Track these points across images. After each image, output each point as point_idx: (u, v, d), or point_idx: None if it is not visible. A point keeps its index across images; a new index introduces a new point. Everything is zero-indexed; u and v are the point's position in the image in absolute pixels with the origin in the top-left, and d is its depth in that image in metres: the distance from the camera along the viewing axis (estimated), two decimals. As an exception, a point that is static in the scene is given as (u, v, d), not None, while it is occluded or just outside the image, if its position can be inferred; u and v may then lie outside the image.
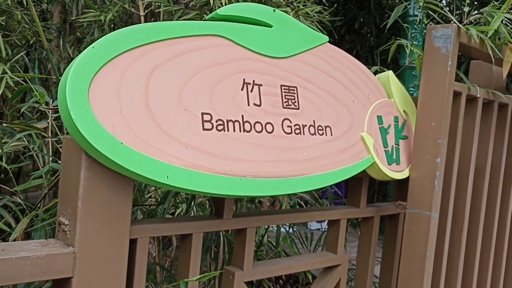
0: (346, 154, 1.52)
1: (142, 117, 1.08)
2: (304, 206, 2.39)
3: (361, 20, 5.90)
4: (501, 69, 1.91)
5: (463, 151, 1.83)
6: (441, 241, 1.76)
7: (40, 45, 3.68)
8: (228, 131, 1.23)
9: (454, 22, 1.61)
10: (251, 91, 1.31)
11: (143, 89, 1.09)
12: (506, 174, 2.05)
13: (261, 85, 1.33)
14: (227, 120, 1.23)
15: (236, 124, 1.25)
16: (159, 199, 1.67)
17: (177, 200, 1.81)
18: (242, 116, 1.27)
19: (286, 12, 2.40)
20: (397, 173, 1.68)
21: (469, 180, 1.84)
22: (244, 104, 1.28)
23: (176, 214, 1.86)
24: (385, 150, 1.64)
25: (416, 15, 2.60)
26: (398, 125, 1.72)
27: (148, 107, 1.09)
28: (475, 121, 1.82)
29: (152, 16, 2.65)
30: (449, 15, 1.69)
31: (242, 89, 1.29)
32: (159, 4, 2.41)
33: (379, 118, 1.65)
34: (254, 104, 1.31)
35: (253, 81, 1.31)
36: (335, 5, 6.73)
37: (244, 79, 1.29)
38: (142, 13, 2.51)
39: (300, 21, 2.32)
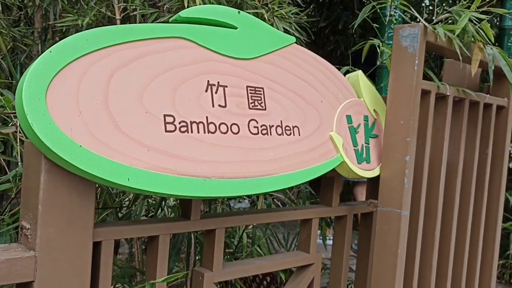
0: (315, 153, 1.53)
1: (102, 120, 1.08)
2: (281, 206, 2.40)
3: (345, 20, 5.93)
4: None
5: (434, 149, 1.85)
6: (413, 239, 1.78)
7: (22, 50, 3.67)
8: (191, 132, 1.24)
9: (420, 21, 1.63)
10: (216, 93, 1.31)
11: (103, 92, 1.10)
12: (479, 171, 2.08)
13: (226, 86, 1.34)
14: (190, 121, 1.24)
15: (200, 125, 1.26)
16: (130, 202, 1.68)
17: (149, 203, 1.81)
18: (207, 117, 1.28)
19: (260, 13, 2.42)
20: (368, 171, 1.69)
21: (441, 178, 1.86)
22: (208, 105, 1.29)
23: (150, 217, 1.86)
24: (354, 149, 1.66)
25: (393, 15, 2.62)
26: (368, 124, 1.73)
27: (108, 110, 1.10)
28: (446, 119, 1.84)
29: (128, 19, 2.65)
30: (416, 14, 1.71)
31: (206, 91, 1.30)
32: (134, 7, 2.41)
33: (349, 118, 1.66)
34: (219, 105, 1.31)
35: (218, 82, 1.32)
36: (320, 6, 6.77)
37: (208, 81, 1.30)
38: (118, 16, 2.51)
39: (275, 23, 2.34)
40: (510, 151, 3.65)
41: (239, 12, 1.41)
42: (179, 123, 1.22)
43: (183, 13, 1.29)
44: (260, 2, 2.52)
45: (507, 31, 3.69)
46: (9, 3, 3.20)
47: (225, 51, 1.35)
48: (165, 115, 1.20)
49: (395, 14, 2.64)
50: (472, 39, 1.77)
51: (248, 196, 2.35)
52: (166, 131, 1.19)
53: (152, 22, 2.32)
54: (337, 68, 1.82)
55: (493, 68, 1.79)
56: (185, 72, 1.25)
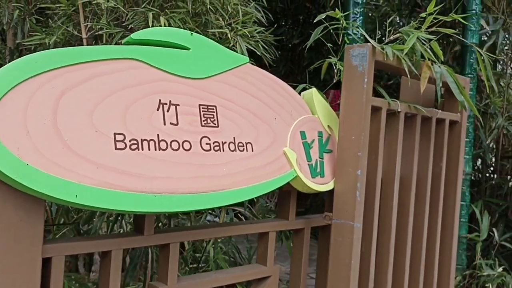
0: (268, 168, 1.58)
1: (50, 139, 1.12)
2: (244, 220, 2.44)
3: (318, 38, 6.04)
4: (430, 85, 2.03)
5: (387, 163, 1.92)
6: (367, 250, 1.83)
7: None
8: (142, 150, 1.28)
9: (368, 42, 1.71)
10: (168, 111, 1.36)
11: (52, 112, 1.13)
12: (433, 184, 2.15)
13: (178, 105, 1.39)
14: (141, 139, 1.28)
15: (151, 143, 1.30)
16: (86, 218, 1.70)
17: (109, 219, 1.84)
18: (158, 135, 1.32)
19: (224, 32, 2.48)
20: (322, 185, 1.75)
21: (394, 191, 1.92)
22: (159, 123, 1.33)
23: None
24: (308, 164, 1.71)
25: (356, 33, 2.71)
26: (322, 139, 1.80)
27: (56, 129, 1.13)
28: (398, 134, 1.91)
29: (95, 38, 2.69)
30: (366, 35, 1.79)
31: (158, 109, 1.34)
32: (100, 27, 2.45)
33: (302, 134, 1.72)
34: (171, 123, 1.36)
35: (170, 101, 1.37)
36: (295, 23, 6.91)
37: (160, 100, 1.35)
38: (85, 35, 2.55)
39: (238, 42, 2.40)
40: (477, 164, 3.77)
41: (191, 33, 1.47)
42: (130, 141, 1.26)
43: (134, 35, 1.34)
44: (225, 21, 2.58)
45: (469, 48, 3.83)
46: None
47: (177, 71, 1.40)
48: (115, 134, 1.24)
49: (357, 32, 2.73)
50: (421, 57, 1.85)
51: (212, 211, 2.39)
52: (116, 149, 1.23)
53: (118, 41, 2.37)
54: (294, 86, 1.89)
55: (441, 85, 1.88)
56: (136, 92, 1.30)
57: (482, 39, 4.31)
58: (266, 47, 2.96)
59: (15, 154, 1.06)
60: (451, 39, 4.30)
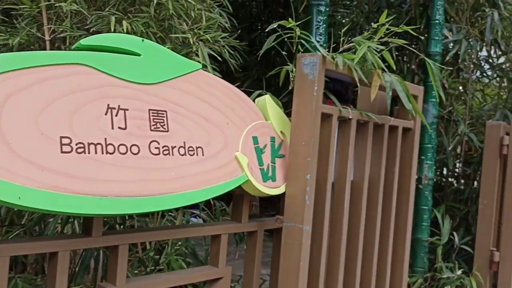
0: (219, 172, 1.63)
1: (-7, 141, 1.14)
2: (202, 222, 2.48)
3: (291, 43, 6.12)
4: (384, 93, 2.10)
5: (340, 168, 1.98)
6: (318, 253, 1.89)
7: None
8: (89, 153, 1.31)
9: (319, 51, 1.78)
10: (116, 115, 1.39)
11: (-4, 115, 1.16)
12: (386, 189, 2.23)
13: (127, 109, 1.42)
14: (88, 143, 1.31)
15: (99, 146, 1.33)
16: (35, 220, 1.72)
17: (62, 221, 1.85)
18: (105, 139, 1.36)
19: (187, 38, 2.52)
20: (273, 189, 1.80)
21: (345, 195, 1.99)
22: (107, 127, 1.37)
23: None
24: (260, 168, 1.76)
25: (318, 41, 2.78)
26: (275, 145, 1.85)
27: (1, 132, 1.16)
28: (350, 140, 1.98)
29: (59, 40, 2.69)
30: (317, 45, 1.85)
31: (106, 114, 1.38)
32: (63, 30, 2.46)
33: (255, 139, 1.77)
34: (119, 127, 1.39)
35: (119, 106, 1.40)
36: (265, 28, 6.97)
37: (108, 104, 1.38)
38: (47, 37, 2.56)
39: (200, 47, 2.44)
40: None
41: (143, 40, 1.50)
42: (76, 144, 1.29)
43: (84, 41, 1.38)
44: (188, 26, 2.62)
45: (432, 57, 3.93)
46: None
47: (127, 77, 1.44)
48: (61, 137, 1.26)
49: (320, 40, 2.80)
50: (372, 67, 1.92)
51: (169, 213, 2.41)
52: (62, 152, 1.26)
53: (79, 44, 2.38)
54: (249, 92, 1.94)
55: (391, 93, 1.95)
56: (84, 96, 1.33)
57: (449, 47, 4.44)
58: (232, 52, 3.01)
59: (-44, 157, 1.08)
60: (416, 48, 4.42)
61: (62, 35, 2.52)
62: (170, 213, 2.38)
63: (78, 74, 1.33)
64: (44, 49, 3.19)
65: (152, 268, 2.25)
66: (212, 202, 2.49)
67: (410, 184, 2.34)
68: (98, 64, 1.37)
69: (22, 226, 1.64)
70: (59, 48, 2.65)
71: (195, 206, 2.23)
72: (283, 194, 1.86)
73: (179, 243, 2.35)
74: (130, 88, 1.44)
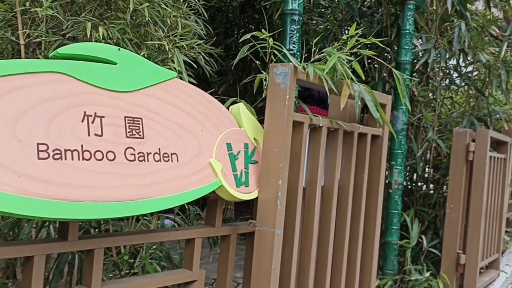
0: (193, 178, 1.67)
1: (-30, 148, 1.16)
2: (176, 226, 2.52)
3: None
4: (354, 101, 2.18)
5: (311, 174, 2.06)
6: (289, 256, 1.95)
7: None
8: (65, 159, 1.34)
9: (291, 61, 1.84)
10: (92, 123, 1.43)
11: (-27, 122, 1.18)
12: (355, 193, 2.31)
13: (103, 116, 1.46)
14: (65, 149, 1.34)
15: (75, 153, 1.37)
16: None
17: (38, 225, 1.87)
18: (82, 145, 1.39)
19: (162, 45, 2.56)
20: (246, 194, 1.86)
21: (316, 199, 2.06)
22: (84, 134, 1.40)
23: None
24: (234, 174, 1.82)
25: (292, 50, 2.85)
26: (248, 151, 1.91)
27: (-22, 139, 1.18)
28: (320, 147, 2.05)
29: (34, 45, 2.70)
30: (289, 55, 1.92)
31: (82, 121, 1.41)
32: (37, 34, 2.48)
33: (229, 145, 1.82)
34: (95, 134, 1.43)
35: (95, 113, 1.44)
36: (243, 34, 7.04)
37: (85, 112, 1.42)
38: (22, 41, 2.56)
39: (176, 54, 2.49)
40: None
41: (119, 49, 1.54)
42: (53, 151, 1.32)
43: (61, 50, 1.41)
44: (164, 33, 2.66)
45: (402, 65, 4.06)
46: None
47: (104, 85, 1.47)
48: (38, 144, 1.29)
49: (293, 48, 2.88)
50: (341, 77, 2.00)
51: (144, 217, 2.44)
52: (39, 158, 1.29)
53: (54, 49, 2.39)
54: (223, 100, 2.00)
55: (359, 102, 2.03)
56: (61, 104, 1.36)
57: (419, 56, 4.59)
58: (208, 58, 3.06)
59: None
60: (388, 56, 4.56)
61: (37, 40, 2.53)
62: (145, 217, 2.41)
63: (55, 82, 1.36)
64: (19, 52, 3.18)
65: (127, 272, 2.27)
66: (186, 207, 2.53)
67: (378, 189, 2.43)
68: (75, 73, 1.40)
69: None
70: (34, 53, 2.65)
71: (170, 210, 2.26)
72: (257, 198, 1.92)
73: (154, 246, 2.38)
74: (107, 96, 1.47)
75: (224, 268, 1.96)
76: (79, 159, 1.37)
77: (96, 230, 2.07)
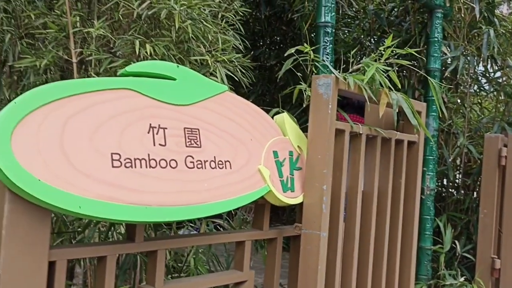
0: (244, 184, 1.79)
1: (58, 158, 1.31)
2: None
3: (295, 59, 6.32)
4: (391, 110, 2.28)
5: (352, 179, 2.15)
6: (333, 257, 2.05)
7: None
8: (135, 167, 1.48)
9: (332, 73, 1.96)
10: (157, 134, 1.57)
11: (59, 135, 1.33)
12: (393, 197, 2.39)
13: (166, 128, 1.60)
14: (134, 158, 1.48)
15: (143, 161, 1.50)
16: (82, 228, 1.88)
17: (100, 230, 2.01)
18: (148, 154, 1.53)
19: (205, 59, 2.71)
20: (292, 199, 1.97)
21: (357, 203, 2.15)
22: (150, 144, 1.54)
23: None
24: (280, 180, 1.93)
25: (325, 60, 2.96)
26: (293, 158, 2.02)
27: (63, 149, 1.33)
28: (360, 153, 2.15)
29: (84, 62, 2.87)
30: (331, 67, 2.04)
31: (148, 132, 1.55)
32: (90, 53, 2.65)
33: (275, 153, 1.94)
34: (160, 144, 1.56)
35: (159, 125, 1.58)
36: (272, 44, 7.19)
37: (150, 124, 1.56)
38: (74, 60, 2.74)
39: (218, 68, 2.63)
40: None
41: (178, 66, 1.68)
42: (124, 159, 1.46)
43: (129, 68, 1.55)
44: (205, 48, 2.81)
45: (431, 73, 4.12)
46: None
47: (166, 99, 1.61)
48: (112, 153, 1.43)
49: (327, 59, 2.99)
50: (379, 86, 2.10)
51: (193, 223, 2.57)
52: (113, 166, 1.43)
53: (106, 66, 2.56)
54: (268, 110, 2.12)
55: (397, 110, 2.13)
56: (130, 117, 1.50)
57: (448, 63, 4.64)
58: (244, 70, 3.20)
59: (29, 171, 1.25)
60: (416, 64, 4.62)
61: (89, 58, 2.70)
62: (191, 224, 2.54)
63: (125, 98, 1.50)
64: (65, 69, 3.38)
65: (176, 275, 2.40)
66: (233, 212, 2.65)
67: (415, 193, 2.51)
68: (141, 88, 1.54)
69: (68, 234, 1.79)
70: (86, 70, 2.83)
71: (218, 215, 2.39)
72: (299, 204, 2.03)
73: (201, 250, 2.51)
74: (168, 109, 1.61)
75: (271, 269, 2.07)
76: (146, 167, 1.50)
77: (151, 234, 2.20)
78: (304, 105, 2.30)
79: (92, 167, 1.37)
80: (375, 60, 2.21)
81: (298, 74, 2.24)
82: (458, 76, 4.56)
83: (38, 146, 1.28)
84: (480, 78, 5.00)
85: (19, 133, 1.25)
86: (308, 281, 1.94)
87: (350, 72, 2.21)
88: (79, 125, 1.38)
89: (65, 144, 1.34)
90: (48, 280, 1.36)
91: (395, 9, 4.92)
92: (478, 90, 5.06)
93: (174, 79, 1.65)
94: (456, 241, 4.31)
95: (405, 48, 2.23)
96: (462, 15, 4.60)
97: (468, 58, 4.53)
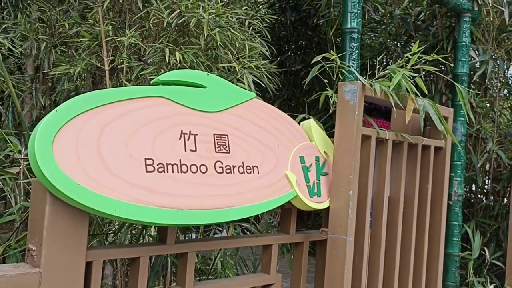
0: (272, 188, 1.83)
1: (95, 163, 1.38)
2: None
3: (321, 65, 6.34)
4: (417, 115, 2.29)
5: (378, 185, 2.17)
6: (360, 262, 2.07)
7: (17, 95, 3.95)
8: (167, 172, 1.54)
9: (358, 79, 1.98)
10: (188, 140, 1.62)
11: (96, 141, 1.40)
12: (420, 203, 2.40)
13: (197, 134, 1.65)
14: (166, 163, 1.54)
15: (175, 166, 1.56)
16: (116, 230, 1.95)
17: (132, 233, 2.08)
18: (180, 160, 1.58)
19: (233, 66, 2.76)
20: (318, 204, 2.00)
21: (383, 209, 2.17)
22: (181, 150, 1.60)
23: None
24: (307, 185, 1.97)
25: (351, 66, 2.99)
26: (319, 163, 2.05)
27: (100, 155, 1.40)
28: (386, 159, 2.17)
29: (115, 70, 2.97)
30: (357, 74, 2.06)
31: (180, 138, 1.60)
32: (121, 60, 2.74)
33: (302, 158, 1.98)
34: (190, 150, 1.62)
35: (190, 131, 1.63)
36: (298, 49, 7.22)
37: (181, 130, 1.61)
38: (107, 67, 2.83)
39: (245, 75, 2.68)
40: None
41: (208, 74, 1.74)
42: (157, 164, 1.52)
43: (162, 77, 1.62)
44: (233, 55, 2.87)
45: (459, 77, 4.09)
46: (6, 53, 3.52)
47: (196, 106, 1.67)
48: (146, 159, 1.50)
49: (353, 65, 3.01)
50: (405, 92, 2.12)
51: (220, 227, 2.63)
52: (146, 171, 1.49)
53: (137, 73, 2.64)
54: (294, 116, 2.15)
55: (424, 116, 2.14)
56: (162, 124, 1.56)
57: (476, 68, 4.59)
58: (270, 77, 3.24)
59: (69, 176, 1.32)
60: (443, 68, 4.58)
61: (121, 66, 2.79)
62: (218, 228, 2.59)
63: (158, 105, 1.56)
64: (97, 76, 3.49)
65: (204, 278, 2.45)
66: (260, 217, 2.69)
67: (442, 199, 2.50)
68: (173, 96, 1.60)
69: (101, 235, 1.87)
70: (118, 77, 2.93)
71: (246, 219, 2.44)
72: (325, 209, 2.06)
73: (228, 253, 2.56)
74: (198, 116, 1.67)
75: (298, 272, 2.10)
76: (178, 172, 1.56)
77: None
78: (330, 111, 2.32)
79: (127, 172, 1.44)
80: (401, 66, 2.22)
81: (324, 80, 2.27)
82: (487, 80, 4.51)
83: (77, 151, 1.35)
84: (510, 82, 4.92)
85: (60, 139, 1.32)
86: (334, 286, 1.97)
87: (377, 78, 2.23)
88: (115, 132, 1.45)
89: (102, 149, 1.40)
90: (85, 279, 1.43)
91: (422, 14, 4.89)
92: (508, 94, 4.98)
93: (204, 87, 1.71)
94: (485, 248, 4.24)
95: (431, 54, 2.23)
96: (491, 19, 4.54)
97: (498, 62, 4.47)
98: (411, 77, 2.19)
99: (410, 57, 2.25)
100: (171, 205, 1.51)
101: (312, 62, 2.18)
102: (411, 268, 2.34)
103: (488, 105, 4.79)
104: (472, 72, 4.45)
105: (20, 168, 1.75)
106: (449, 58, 4.43)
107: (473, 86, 4.65)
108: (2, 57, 3.31)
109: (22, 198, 1.79)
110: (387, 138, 2.15)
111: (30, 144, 1.30)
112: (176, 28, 2.92)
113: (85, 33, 2.98)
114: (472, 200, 4.93)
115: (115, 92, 1.49)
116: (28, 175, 1.78)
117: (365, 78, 2.11)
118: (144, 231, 2.02)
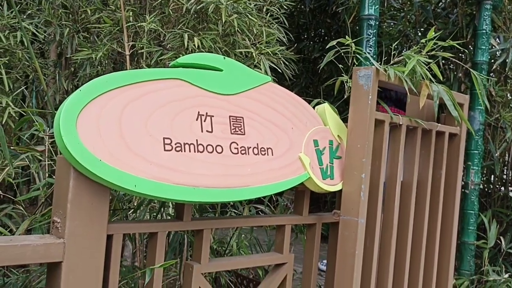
0: (285, 170, 1.89)
1: (116, 141, 1.45)
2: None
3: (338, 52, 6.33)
4: (432, 102, 2.30)
5: (391, 169, 2.20)
6: (371, 244, 2.11)
7: (38, 78, 4.07)
8: (184, 151, 1.60)
9: (373, 65, 2.01)
10: (205, 121, 1.68)
11: (118, 120, 1.47)
12: (433, 188, 2.42)
13: (213, 116, 1.71)
14: (184, 143, 1.61)
15: (192, 146, 1.62)
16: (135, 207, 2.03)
17: (151, 210, 2.16)
18: (197, 140, 1.64)
19: (250, 52, 2.81)
20: (331, 186, 2.04)
21: (396, 193, 2.20)
22: (198, 130, 1.66)
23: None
24: (320, 168, 2.01)
25: (368, 53, 3.00)
26: (333, 147, 2.09)
27: (121, 133, 1.46)
28: (400, 144, 2.20)
29: (136, 55, 3.04)
30: (371, 59, 2.09)
31: (197, 119, 1.66)
32: (141, 46, 2.81)
33: (315, 142, 2.02)
34: (207, 130, 1.68)
35: (206, 113, 1.69)
36: (316, 37, 7.22)
37: (198, 112, 1.67)
38: (127, 52, 2.91)
39: (262, 60, 2.73)
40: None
41: (224, 58, 1.79)
42: (175, 144, 1.58)
43: (180, 60, 1.67)
44: (250, 41, 2.91)
45: (479, 65, 4.05)
46: (31, 39, 3.62)
47: (213, 89, 1.72)
48: (164, 138, 1.56)
49: (370, 52, 3.03)
50: (420, 78, 2.14)
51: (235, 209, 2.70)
52: (164, 150, 1.55)
53: (157, 58, 2.71)
54: (309, 100, 2.20)
55: (438, 102, 2.16)
56: (181, 105, 1.63)
57: (497, 56, 4.54)
58: (287, 63, 3.28)
59: (92, 152, 1.39)
60: (462, 57, 4.55)
61: (141, 51, 2.86)
62: (234, 210, 2.66)
63: (176, 87, 1.62)
64: (117, 61, 3.57)
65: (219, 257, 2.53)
66: (274, 198, 2.76)
67: (456, 186, 2.52)
68: (191, 78, 1.66)
69: (122, 212, 1.95)
70: (138, 62, 3.00)
71: (260, 201, 2.51)
72: (338, 192, 2.10)
73: (243, 235, 2.63)
74: (215, 98, 1.72)
75: (310, 253, 2.16)
76: (194, 151, 1.62)
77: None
78: (345, 97, 2.36)
79: (146, 150, 1.50)
80: (418, 52, 2.24)
81: (341, 66, 2.30)
82: (507, 69, 4.46)
83: (99, 129, 1.42)
84: (531, 71, 4.86)
85: (84, 117, 1.39)
86: (345, 266, 2.02)
87: (392, 64, 2.25)
88: (135, 111, 1.51)
89: (123, 128, 1.47)
90: (106, 252, 1.51)
91: (442, 1, 4.85)
92: (529, 84, 4.92)
93: (221, 70, 1.76)
94: (501, 237, 4.24)
95: (447, 41, 2.24)
96: (513, 7, 4.48)
97: (519, 50, 4.41)
98: (426, 64, 2.20)
99: (426, 43, 2.26)
100: (188, 183, 1.57)
101: (327, 47, 2.21)
102: (423, 251, 2.37)
103: (508, 94, 4.74)
104: (492, 61, 4.41)
105: (45, 147, 1.84)
106: (469, 46, 4.40)
107: (493, 75, 4.60)
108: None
109: (46, 175, 1.87)
110: (400, 123, 2.18)
111: (56, 121, 1.38)
112: (195, 14, 2.97)
113: (106, 19, 3.05)
114: (489, 190, 4.91)
115: (135, 73, 1.55)
116: (52, 152, 1.87)
117: (381, 65, 2.14)
118: (162, 209, 2.10)
